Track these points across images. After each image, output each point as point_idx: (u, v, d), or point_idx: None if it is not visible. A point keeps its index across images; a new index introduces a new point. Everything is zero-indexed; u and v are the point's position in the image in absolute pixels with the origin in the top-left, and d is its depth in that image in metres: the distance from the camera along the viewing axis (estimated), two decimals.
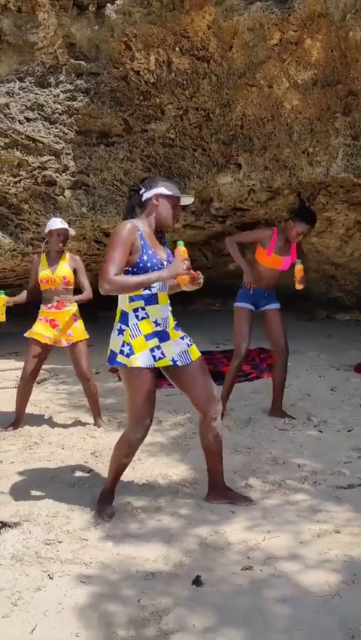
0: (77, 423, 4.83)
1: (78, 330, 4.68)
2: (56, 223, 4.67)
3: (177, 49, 5.79)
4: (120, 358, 2.96)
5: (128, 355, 2.94)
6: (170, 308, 3.15)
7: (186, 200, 3.19)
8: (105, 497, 3.20)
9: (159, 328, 3.03)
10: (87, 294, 4.68)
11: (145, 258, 2.91)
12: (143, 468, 3.80)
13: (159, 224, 3.08)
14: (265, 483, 3.50)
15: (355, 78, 4.89)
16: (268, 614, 2.27)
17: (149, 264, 2.92)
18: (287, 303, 9.57)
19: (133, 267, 2.92)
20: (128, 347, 2.95)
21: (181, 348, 3.07)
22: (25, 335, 4.65)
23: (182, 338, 3.12)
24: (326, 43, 4.87)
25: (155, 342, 3.00)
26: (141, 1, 5.69)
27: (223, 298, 10.09)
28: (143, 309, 3.00)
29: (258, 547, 2.78)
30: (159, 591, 2.44)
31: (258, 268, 4.70)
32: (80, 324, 4.70)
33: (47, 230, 4.70)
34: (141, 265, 2.91)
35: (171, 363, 3.02)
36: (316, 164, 5.54)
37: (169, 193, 3.04)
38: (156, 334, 3.01)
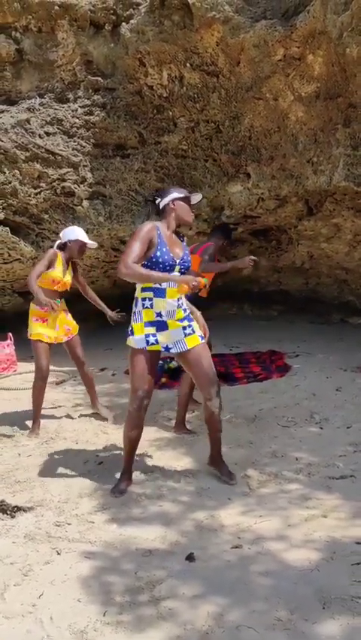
0: (92, 421, 5.10)
1: (72, 324, 5.03)
2: (84, 236, 4.94)
3: (187, 64, 6.07)
4: (127, 338, 3.49)
5: (128, 336, 3.48)
6: (179, 303, 3.50)
7: (196, 197, 3.63)
8: (122, 475, 3.62)
9: (159, 319, 3.46)
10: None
11: (158, 254, 3.34)
12: (149, 460, 4.06)
13: (181, 222, 3.54)
14: (262, 474, 3.73)
15: (354, 91, 5.11)
16: (251, 585, 2.51)
17: (161, 260, 3.35)
18: (301, 307, 9.80)
19: (148, 261, 3.35)
20: (130, 329, 3.48)
21: (178, 337, 3.49)
22: (30, 338, 4.85)
23: (183, 328, 3.50)
24: (326, 58, 5.10)
25: (152, 329, 3.46)
26: (154, 21, 5.98)
27: (239, 304, 10.32)
28: (150, 299, 3.44)
29: (249, 529, 3.02)
30: (155, 565, 2.70)
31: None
32: (71, 317, 5.05)
33: (73, 238, 4.88)
34: (154, 260, 3.34)
35: (163, 349, 3.49)
36: (320, 173, 5.76)
37: (182, 195, 3.53)
38: (154, 324, 3.46)
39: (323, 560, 2.67)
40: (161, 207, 3.54)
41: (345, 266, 7.66)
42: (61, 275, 4.84)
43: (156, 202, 3.55)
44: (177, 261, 3.42)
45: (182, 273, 3.45)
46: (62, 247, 4.93)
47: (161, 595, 2.45)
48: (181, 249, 3.51)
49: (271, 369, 6.56)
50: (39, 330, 4.83)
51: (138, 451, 3.92)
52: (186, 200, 3.55)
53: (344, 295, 8.62)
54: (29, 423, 4.90)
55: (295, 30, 5.13)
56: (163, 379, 6.26)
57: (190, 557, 2.75)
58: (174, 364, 6.40)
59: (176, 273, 3.41)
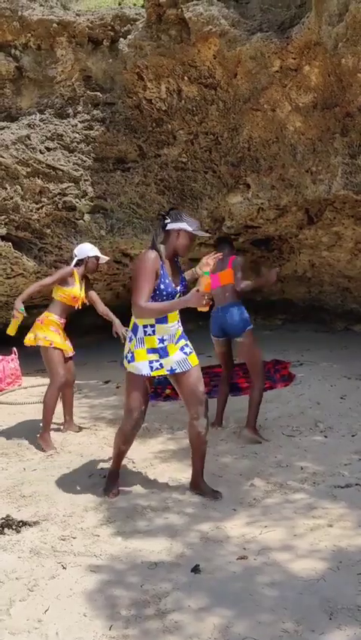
0: (96, 434, 5.10)
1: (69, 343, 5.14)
2: (97, 252, 5.14)
3: (185, 78, 6.12)
4: (125, 362, 3.51)
5: (129, 361, 3.47)
6: (179, 325, 3.58)
7: (202, 234, 3.61)
8: (111, 477, 3.71)
9: (162, 344, 3.46)
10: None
11: (162, 286, 3.39)
12: (154, 472, 4.06)
13: (176, 252, 3.53)
14: (268, 484, 3.73)
15: (350, 101, 5.13)
16: (257, 596, 2.51)
17: (165, 292, 3.40)
18: (306, 316, 9.79)
19: (155, 290, 3.37)
20: (131, 354, 3.47)
21: (180, 357, 3.49)
22: (50, 346, 4.86)
23: (182, 349, 3.53)
24: (323, 69, 5.13)
25: (155, 356, 3.45)
26: (151, 35, 6.04)
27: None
28: (152, 326, 3.45)
29: (254, 539, 3.02)
30: (161, 578, 2.70)
31: None
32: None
33: (92, 254, 5.08)
34: (158, 292, 3.38)
35: (168, 372, 3.48)
36: (319, 182, 5.78)
37: (190, 229, 3.47)
38: (157, 351, 3.46)
39: (329, 570, 2.66)
40: (167, 228, 3.50)
41: (347, 274, 7.66)
42: (78, 292, 4.99)
43: (165, 221, 3.50)
44: (178, 289, 3.49)
45: (183, 293, 3.54)
46: (78, 264, 5.07)
47: (167, 608, 2.45)
48: (177, 275, 3.57)
49: (276, 379, 6.55)
50: (57, 339, 4.93)
51: (142, 464, 3.94)
52: (192, 235, 3.50)
53: (347, 303, 8.61)
54: (34, 437, 4.91)
55: (291, 42, 5.17)
56: (168, 391, 6.26)
57: (196, 569, 2.75)
58: None
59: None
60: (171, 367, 3.48)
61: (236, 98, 5.99)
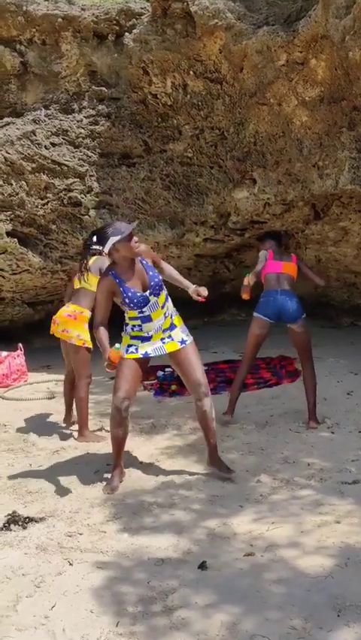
0: (103, 430, 5.08)
1: None
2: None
3: (191, 72, 6.09)
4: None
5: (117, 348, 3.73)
6: (165, 315, 3.75)
7: (131, 226, 3.62)
8: (114, 471, 3.80)
9: (146, 335, 3.71)
10: None
11: (127, 300, 3.63)
12: (161, 469, 4.04)
13: (129, 259, 3.66)
14: (274, 480, 3.71)
15: (358, 94, 5.10)
16: (264, 592, 2.50)
17: (133, 302, 3.62)
18: (312, 312, 9.74)
19: (122, 304, 3.68)
20: (120, 342, 3.77)
21: (155, 345, 3.75)
22: (83, 346, 4.80)
23: (162, 339, 3.74)
24: (329, 62, 5.10)
25: (136, 342, 3.75)
26: (156, 30, 6.01)
27: (248, 309, 10.27)
28: (139, 325, 3.72)
29: (261, 536, 3.00)
30: (168, 575, 2.69)
31: None
32: None
33: None
34: (127, 304, 3.64)
35: (141, 356, 3.73)
36: (326, 177, 5.75)
37: (119, 236, 3.53)
38: (140, 338, 3.74)
39: (336, 567, 2.65)
40: (103, 252, 3.68)
41: (354, 269, 7.62)
42: None
43: (100, 249, 3.66)
44: (146, 293, 3.64)
45: (156, 292, 3.66)
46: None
47: (174, 604, 2.44)
48: (143, 273, 3.67)
49: (282, 375, 6.53)
50: (89, 338, 4.82)
51: (148, 460, 3.93)
52: (126, 237, 3.54)
53: (353, 299, 8.57)
54: (40, 433, 4.91)
55: (298, 35, 5.14)
56: (173, 387, 6.25)
57: (203, 566, 2.74)
58: None
59: (153, 301, 3.66)
60: (146, 351, 3.71)
61: (242, 92, 5.96)
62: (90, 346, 4.81)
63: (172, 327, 3.78)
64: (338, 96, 5.32)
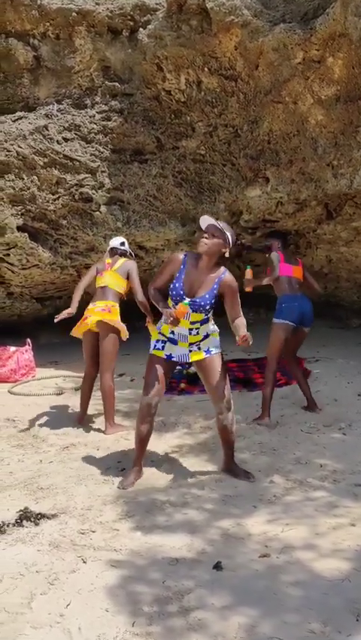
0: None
1: None
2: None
3: (205, 69, 6.05)
4: None
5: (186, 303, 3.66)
6: (193, 333, 3.70)
7: (208, 220, 3.71)
8: (132, 468, 3.79)
9: (172, 335, 3.70)
10: None
11: (171, 287, 3.65)
12: (173, 468, 4.01)
13: (207, 257, 3.65)
14: (287, 481, 3.68)
15: None
16: (281, 595, 2.47)
17: (173, 293, 3.63)
18: (321, 312, 9.71)
19: (170, 287, 3.68)
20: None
21: (181, 352, 3.76)
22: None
23: (189, 349, 3.74)
24: (347, 61, 5.07)
25: (163, 338, 3.76)
26: (171, 26, 5.98)
27: (256, 309, 10.24)
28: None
29: (276, 537, 2.97)
30: (183, 575, 2.66)
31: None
32: None
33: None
34: (170, 290, 3.66)
35: (165, 357, 3.73)
36: (340, 177, 5.71)
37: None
38: (167, 337, 3.74)
39: (353, 570, 2.62)
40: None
41: None
42: None
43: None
44: (187, 299, 3.59)
45: (194, 308, 3.59)
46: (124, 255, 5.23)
47: (190, 605, 2.41)
48: (205, 286, 3.61)
49: (291, 375, 6.48)
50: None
51: (159, 458, 3.90)
52: (202, 229, 3.66)
53: None
54: (50, 428, 4.91)
55: (315, 33, 5.10)
56: (182, 385, 6.23)
57: (218, 566, 2.71)
58: (192, 370, 6.36)
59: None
60: (171, 353, 3.72)
61: (257, 90, 5.93)
62: (124, 338, 4.94)
63: (202, 340, 3.75)
64: (355, 95, 5.28)
